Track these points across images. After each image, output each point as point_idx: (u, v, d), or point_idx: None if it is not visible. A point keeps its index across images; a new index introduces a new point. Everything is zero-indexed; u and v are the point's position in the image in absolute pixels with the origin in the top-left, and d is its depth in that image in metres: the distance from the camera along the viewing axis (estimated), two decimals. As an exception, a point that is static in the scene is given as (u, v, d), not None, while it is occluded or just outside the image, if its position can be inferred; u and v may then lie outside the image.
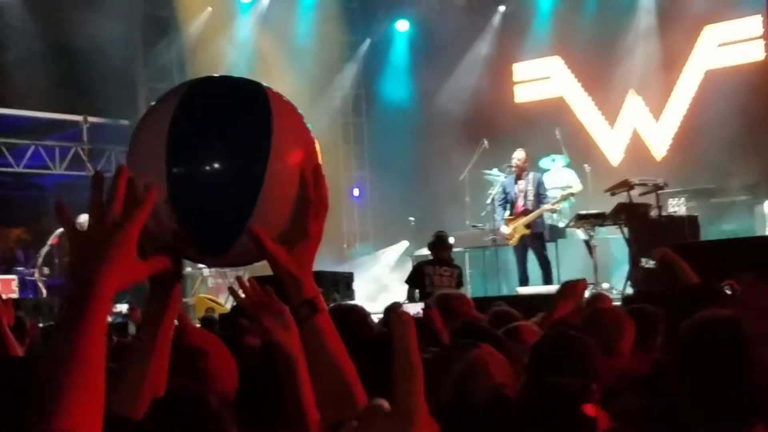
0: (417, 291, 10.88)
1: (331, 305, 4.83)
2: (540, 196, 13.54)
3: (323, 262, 14.83)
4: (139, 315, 7.24)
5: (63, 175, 17.10)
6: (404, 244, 17.84)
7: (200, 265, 16.39)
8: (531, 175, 13.69)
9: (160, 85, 17.98)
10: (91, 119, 17.39)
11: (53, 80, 15.94)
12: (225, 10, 18.19)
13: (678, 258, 4.93)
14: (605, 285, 12.64)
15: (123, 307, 12.53)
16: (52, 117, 17.12)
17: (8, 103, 16.40)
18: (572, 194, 14.31)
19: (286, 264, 2.00)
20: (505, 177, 14.18)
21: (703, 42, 16.45)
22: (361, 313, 4.55)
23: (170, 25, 17.80)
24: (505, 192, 13.80)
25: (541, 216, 13.54)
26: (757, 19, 15.03)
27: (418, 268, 11.08)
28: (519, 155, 13.67)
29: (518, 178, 13.65)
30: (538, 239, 13.49)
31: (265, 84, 2.13)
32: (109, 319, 8.11)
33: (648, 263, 10.69)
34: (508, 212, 13.69)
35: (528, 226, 13.39)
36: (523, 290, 12.76)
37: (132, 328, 7.19)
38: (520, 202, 13.56)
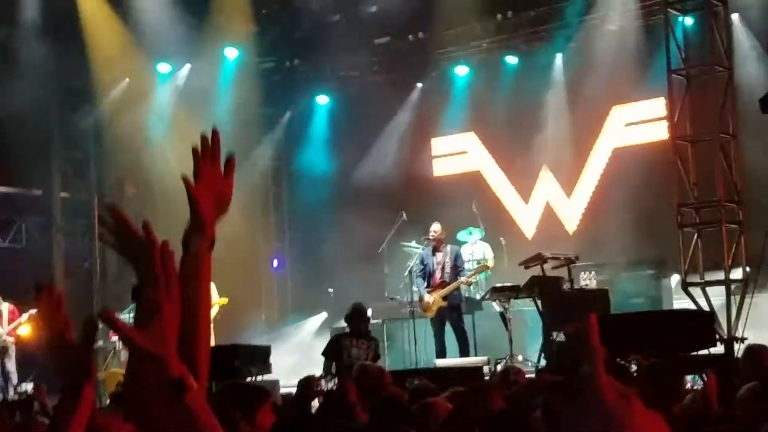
0: (334, 363, 10.93)
1: (227, 383, 4.91)
2: (457, 269, 13.76)
3: (241, 334, 14.84)
4: (44, 393, 7.05)
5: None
6: (323, 316, 17.87)
7: (113, 338, 16.18)
8: (448, 248, 13.92)
9: (75, 154, 17.86)
10: (2, 189, 17.13)
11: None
12: (143, 80, 18.15)
13: (589, 332, 5.10)
14: (520, 357, 12.81)
15: (28, 386, 12.22)
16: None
17: None
18: (487, 267, 14.58)
19: (143, 345, 1.94)
20: (423, 249, 14.39)
21: (611, 121, 17.08)
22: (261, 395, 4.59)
23: (87, 94, 17.68)
24: (423, 264, 14.00)
25: (458, 288, 13.74)
26: (660, 102, 15.62)
27: (335, 340, 11.16)
28: (435, 228, 13.92)
29: (436, 250, 13.86)
30: (455, 311, 13.66)
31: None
32: (13, 395, 7.85)
33: (559, 337, 10.96)
34: (426, 284, 13.88)
35: (445, 298, 13.56)
36: (441, 362, 12.87)
37: (36, 406, 7.03)
38: (437, 275, 13.75)
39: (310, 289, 18.39)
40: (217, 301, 14.70)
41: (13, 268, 15.65)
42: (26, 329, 14.55)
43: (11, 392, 13.83)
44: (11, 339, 14.22)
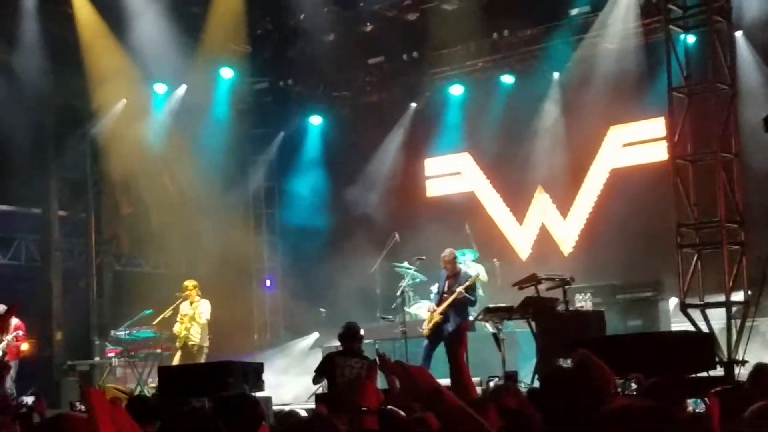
0: (326, 381, 10.84)
1: (220, 395, 4.88)
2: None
3: (233, 352, 14.71)
4: (44, 407, 7.12)
5: (-28, 262, 16.75)
6: (315, 336, 17.77)
7: (109, 354, 16.18)
8: (462, 273, 13.74)
9: (72, 174, 17.82)
10: (1, 207, 17.13)
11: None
12: (140, 101, 18.14)
13: (596, 359, 4.99)
14: (513, 378, 12.69)
15: (28, 399, 12.26)
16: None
17: None
18: (478, 276, 14.40)
19: None
20: (442, 270, 14.11)
21: (608, 142, 16.96)
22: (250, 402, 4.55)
23: (84, 115, 17.69)
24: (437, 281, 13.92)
25: (461, 312, 13.56)
26: (659, 121, 15.55)
27: (328, 359, 11.03)
28: (445, 253, 13.73)
29: (451, 276, 13.64)
30: (451, 332, 13.51)
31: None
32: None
33: (566, 363, 10.81)
34: (434, 304, 13.80)
35: (443, 314, 13.44)
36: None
37: (36, 418, 7.07)
38: (445, 296, 13.62)
39: (302, 309, 18.28)
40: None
41: (13, 286, 15.69)
42: (25, 345, 14.56)
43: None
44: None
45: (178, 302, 15.08)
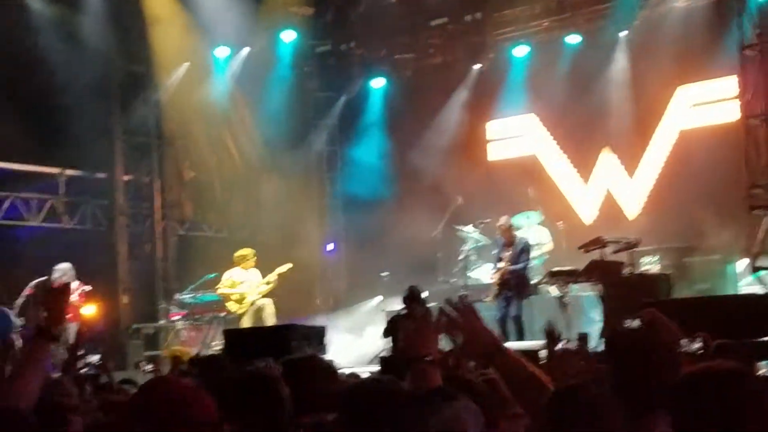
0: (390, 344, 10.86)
1: (286, 358, 4.86)
2: (517, 258, 13.60)
3: (296, 316, 14.79)
4: (109, 369, 7.19)
5: (39, 227, 16.92)
6: (378, 299, 17.78)
7: (174, 318, 16.37)
8: (517, 240, 13.72)
9: (137, 138, 17.94)
10: (68, 172, 17.32)
11: (31, 132, 15.85)
12: (202, 64, 18.19)
13: (664, 317, 4.85)
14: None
15: (94, 358, 12.44)
16: (30, 169, 17.01)
17: (-15, 155, 16.28)
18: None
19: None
20: (498, 237, 14.18)
21: (677, 102, 16.59)
22: (318, 363, 4.53)
23: (147, 79, 17.77)
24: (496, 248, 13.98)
25: (518, 276, 13.54)
26: (732, 80, 15.14)
27: (393, 322, 11.06)
28: (502, 221, 13.72)
29: (507, 245, 13.65)
30: (511, 296, 13.51)
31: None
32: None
33: (633, 323, 10.66)
34: (494, 269, 13.82)
35: (501, 283, 13.43)
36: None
37: (104, 378, 7.15)
38: (502, 264, 13.63)
39: (364, 273, 18.25)
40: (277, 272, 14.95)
41: (79, 250, 15.87)
42: (92, 309, 14.74)
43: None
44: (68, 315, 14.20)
45: (231, 270, 15.24)
